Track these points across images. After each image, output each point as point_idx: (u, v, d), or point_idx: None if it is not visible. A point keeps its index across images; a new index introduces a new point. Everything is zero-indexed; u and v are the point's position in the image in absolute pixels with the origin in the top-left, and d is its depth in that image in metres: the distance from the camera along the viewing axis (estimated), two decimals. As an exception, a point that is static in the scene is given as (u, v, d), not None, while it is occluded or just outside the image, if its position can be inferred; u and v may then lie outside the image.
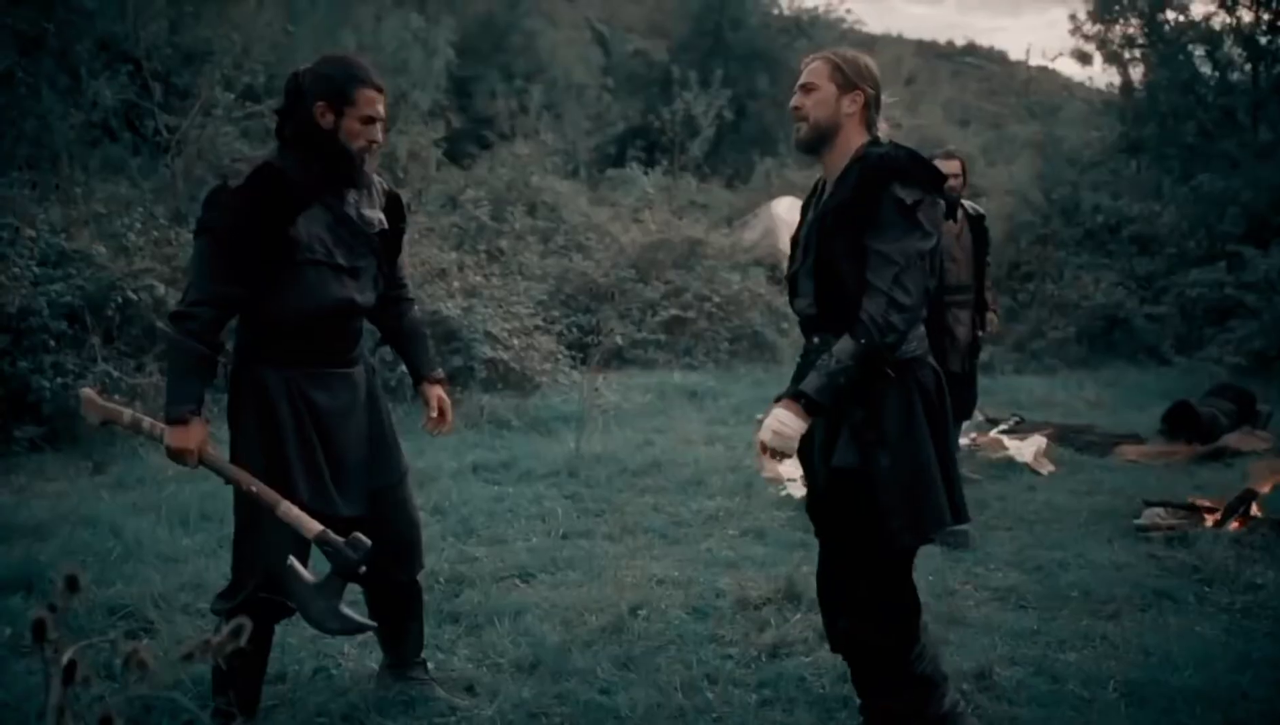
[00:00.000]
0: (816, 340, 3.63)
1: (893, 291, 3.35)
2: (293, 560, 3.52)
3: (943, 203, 3.52)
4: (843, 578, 3.66)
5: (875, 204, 3.41)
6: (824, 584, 3.77)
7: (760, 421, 3.44)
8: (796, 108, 3.62)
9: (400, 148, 14.57)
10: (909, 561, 3.68)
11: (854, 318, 3.41)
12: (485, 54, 23.75)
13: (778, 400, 3.45)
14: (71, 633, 4.51)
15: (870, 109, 3.60)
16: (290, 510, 3.55)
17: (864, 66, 3.61)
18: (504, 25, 24.88)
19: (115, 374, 7.81)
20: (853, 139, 3.59)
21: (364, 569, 3.58)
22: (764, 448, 3.41)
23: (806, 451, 3.69)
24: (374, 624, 3.86)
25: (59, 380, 7.65)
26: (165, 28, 13.07)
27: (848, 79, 3.57)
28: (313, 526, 3.53)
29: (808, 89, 3.60)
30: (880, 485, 3.45)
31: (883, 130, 3.65)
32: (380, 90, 3.69)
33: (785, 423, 3.37)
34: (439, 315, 9.71)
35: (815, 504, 3.74)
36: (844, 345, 3.35)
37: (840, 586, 3.68)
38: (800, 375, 3.69)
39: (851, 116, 3.58)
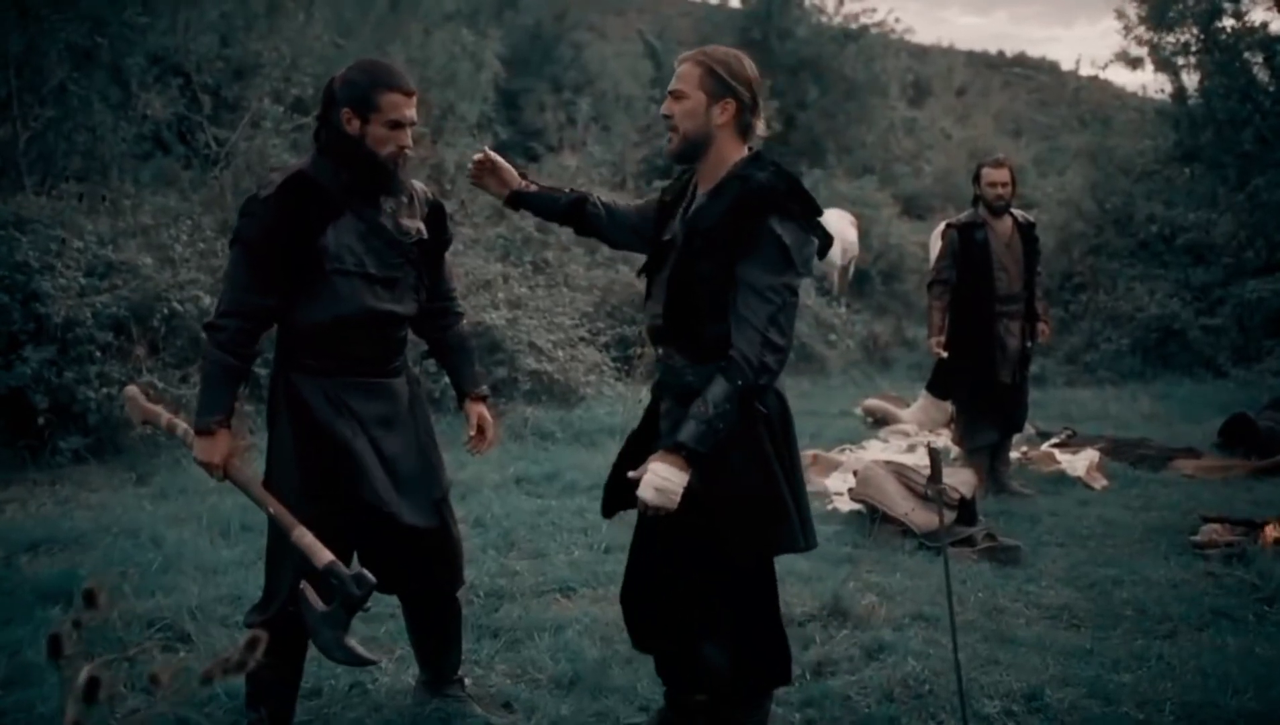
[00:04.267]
0: (661, 352, 3.57)
1: (768, 332, 3.26)
2: (305, 586, 3.48)
3: (816, 241, 3.41)
4: (708, 604, 3.57)
5: (750, 235, 3.29)
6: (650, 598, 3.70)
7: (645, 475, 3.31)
8: (667, 116, 3.49)
9: (448, 160, 14.58)
10: (765, 586, 3.60)
11: (707, 343, 3.37)
12: (534, 67, 23.80)
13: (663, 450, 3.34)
14: (109, 645, 4.50)
15: (745, 114, 3.45)
16: (304, 537, 3.50)
17: (738, 68, 3.45)
18: (552, 38, 24.93)
19: (160, 385, 7.81)
20: (726, 148, 3.46)
21: (368, 607, 3.54)
22: (645, 507, 3.28)
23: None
24: (377, 659, 3.82)
25: (104, 391, 7.68)
26: (216, 41, 13.16)
27: (719, 85, 3.42)
28: (324, 556, 3.49)
29: (677, 96, 3.45)
30: (718, 509, 3.36)
31: (760, 129, 3.51)
32: (408, 94, 3.62)
33: (667, 477, 3.25)
34: (483, 326, 9.67)
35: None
36: (718, 389, 3.24)
37: (704, 614, 3.61)
38: (658, 397, 3.65)
39: (724, 126, 3.44)
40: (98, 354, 7.87)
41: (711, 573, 3.50)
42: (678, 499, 3.26)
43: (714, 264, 3.35)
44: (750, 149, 3.51)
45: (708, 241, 3.38)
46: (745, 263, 3.30)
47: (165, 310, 8.31)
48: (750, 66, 3.49)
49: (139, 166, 12.39)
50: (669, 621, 3.67)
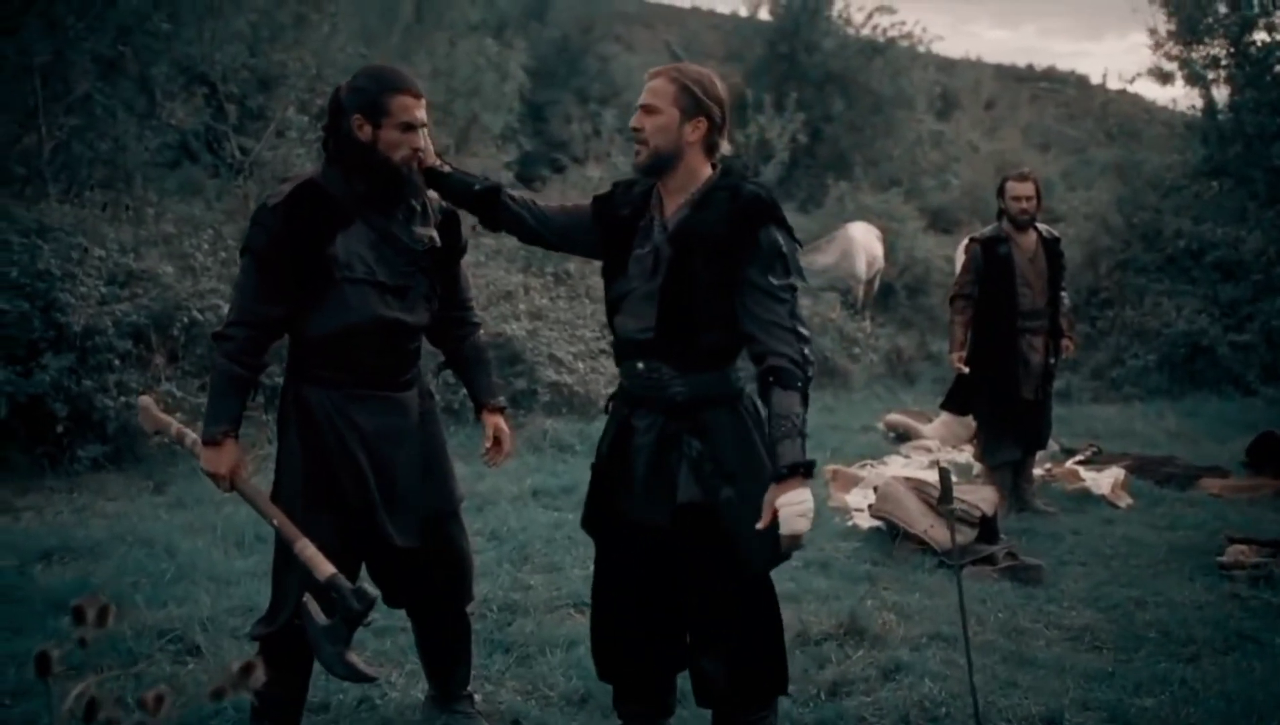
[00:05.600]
0: (642, 366, 3.52)
1: (796, 326, 3.35)
2: (308, 599, 3.44)
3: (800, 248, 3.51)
4: (701, 613, 3.55)
5: (754, 242, 3.35)
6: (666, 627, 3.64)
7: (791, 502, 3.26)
8: (637, 129, 3.49)
9: (473, 171, 14.54)
10: (771, 593, 3.61)
11: (699, 352, 3.42)
12: (561, 79, 23.82)
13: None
14: (119, 656, 4.46)
15: (714, 133, 3.48)
16: (306, 548, 3.46)
17: (710, 87, 3.48)
18: (579, 50, 24.93)
19: (178, 394, 7.82)
20: (696, 165, 3.49)
21: (369, 621, 3.50)
22: (793, 540, 3.27)
23: (616, 489, 3.59)
24: (377, 676, 3.78)
25: (123, 399, 7.67)
26: (243, 51, 13.20)
27: (693, 104, 3.44)
28: (325, 568, 3.44)
29: (649, 110, 3.46)
30: (724, 516, 3.38)
31: (724, 148, 3.54)
32: (417, 96, 3.60)
33: (803, 500, 3.24)
34: (504, 337, 9.64)
35: (639, 543, 3.57)
36: (788, 400, 3.28)
37: (694, 623, 3.58)
38: (625, 413, 3.59)
39: (694, 144, 3.46)
40: (117, 362, 7.87)
41: (719, 585, 3.48)
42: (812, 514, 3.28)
43: (714, 272, 3.38)
44: (714, 165, 3.54)
45: (710, 250, 3.39)
46: (751, 268, 3.35)
47: (185, 319, 8.31)
48: (722, 87, 3.52)
49: (165, 175, 12.43)
50: (657, 642, 3.64)
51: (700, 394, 3.44)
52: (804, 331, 3.36)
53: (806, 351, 3.33)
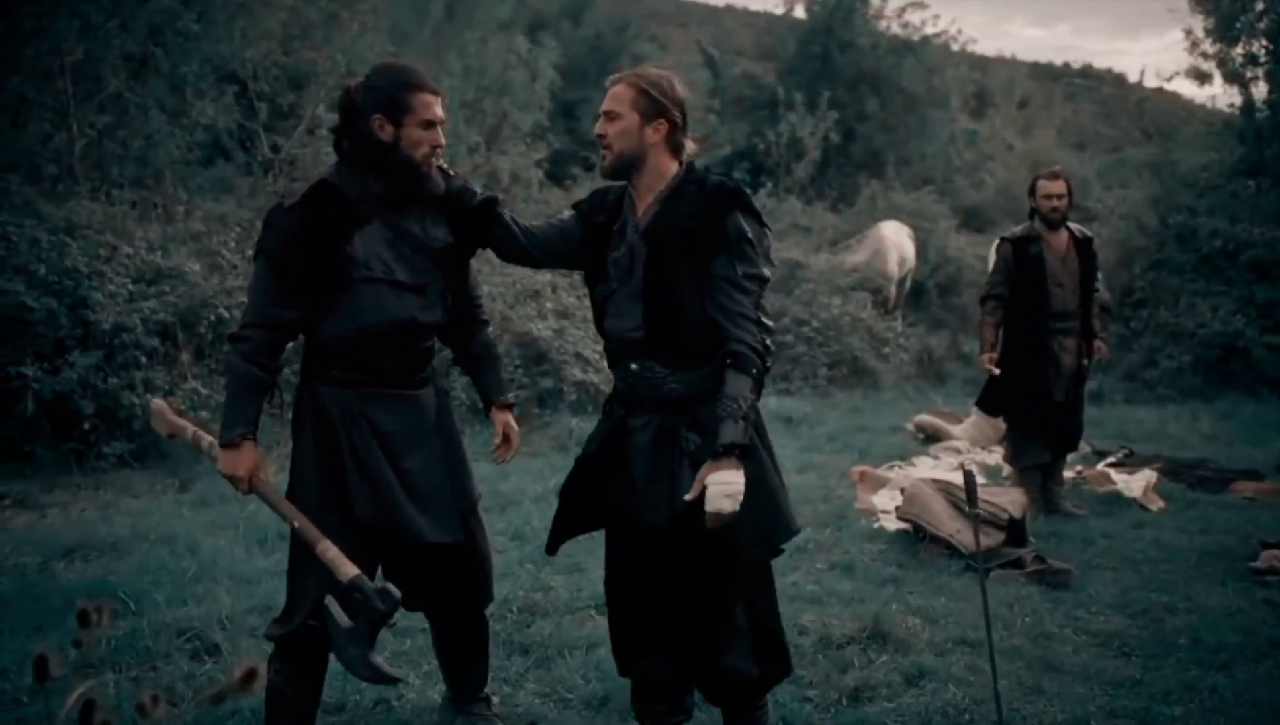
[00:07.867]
0: (635, 366, 3.56)
1: (760, 317, 3.42)
2: (330, 601, 3.40)
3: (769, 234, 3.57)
4: (706, 610, 3.56)
5: (721, 232, 3.42)
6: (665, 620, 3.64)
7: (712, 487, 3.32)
8: (601, 135, 3.55)
9: (503, 168, 14.55)
10: (769, 581, 3.68)
11: (688, 347, 3.46)
12: (593, 78, 23.79)
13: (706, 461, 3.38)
14: (136, 654, 4.44)
15: (677, 133, 3.54)
16: (328, 550, 3.43)
17: (668, 90, 3.54)
18: (613, 49, 24.91)
19: (204, 391, 7.84)
20: (662, 164, 3.56)
21: (393, 622, 3.47)
22: (718, 518, 3.31)
23: (609, 487, 3.61)
24: (401, 677, 3.76)
25: (148, 397, 7.68)
26: (275, 49, 13.23)
27: (652, 106, 3.50)
28: (348, 570, 3.41)
29: (610, 116, 3.52)
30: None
31: (690, 148, 3.60)
32: (435, 93, 3.60)
33: (732, 481, 3.31)
34: (530, 336, 9.63)
35: (639, 539, 3.58)
36: (739, 384, 3.36)
37: (702, 621, 3.58)
38: (621, 414, 3.61)
39: (657, 145, 3.52)
40: (144, 360, 7.91)
41: (722, 577, 3.50)
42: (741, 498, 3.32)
43: (693, 264, 3.44)
44: (681, 164, 3.60)
45: (684, 243, 3.45)
46: (719, 258, 3.42)
47: (212, 316, 8.34)
48: (681, 88, 3.60)
49: (198, 173, 12.49)
50: (668, 639, 3.63)
51: (695, 390, 3.48)
52: (767, 322, 3.44)
53: (768, 341, 3.42)
